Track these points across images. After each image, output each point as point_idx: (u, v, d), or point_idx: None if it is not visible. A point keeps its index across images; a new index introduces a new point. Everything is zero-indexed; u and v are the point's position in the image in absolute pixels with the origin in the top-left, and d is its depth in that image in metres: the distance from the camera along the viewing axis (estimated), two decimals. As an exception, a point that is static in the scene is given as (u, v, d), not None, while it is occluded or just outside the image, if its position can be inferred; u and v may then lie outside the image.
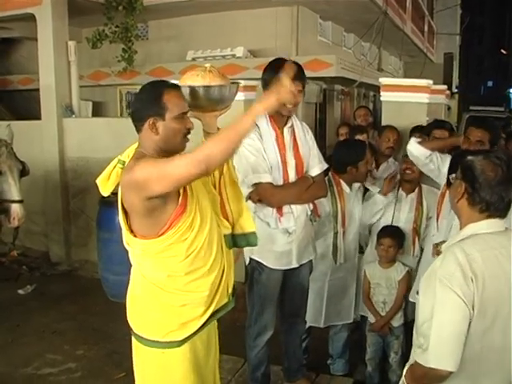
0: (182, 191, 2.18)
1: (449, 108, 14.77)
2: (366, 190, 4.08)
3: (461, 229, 2.09)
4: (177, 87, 2.24)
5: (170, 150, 2.20)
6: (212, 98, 2.33)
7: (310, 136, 3.37)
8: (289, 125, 3.22)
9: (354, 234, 3.98)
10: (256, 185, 3.11)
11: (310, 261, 3.50)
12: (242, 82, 5.61)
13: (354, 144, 4.09)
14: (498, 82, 54.38)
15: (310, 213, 3.36)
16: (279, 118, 3.18)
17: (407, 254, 3.91)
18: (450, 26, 23.73)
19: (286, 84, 1.99)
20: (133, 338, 2.40)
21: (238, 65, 8.84)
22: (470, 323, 1.87)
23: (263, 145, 3.12)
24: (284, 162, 3.15)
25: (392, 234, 3.79)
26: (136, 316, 2.37)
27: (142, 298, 2.33)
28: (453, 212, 3.23)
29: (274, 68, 2.97)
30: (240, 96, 5.59)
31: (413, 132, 4.99)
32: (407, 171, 3.88)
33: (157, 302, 2.28)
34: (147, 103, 2.15)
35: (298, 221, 3.25)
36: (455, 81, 26.03)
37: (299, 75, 3.01)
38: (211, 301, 2.36)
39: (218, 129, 2.49)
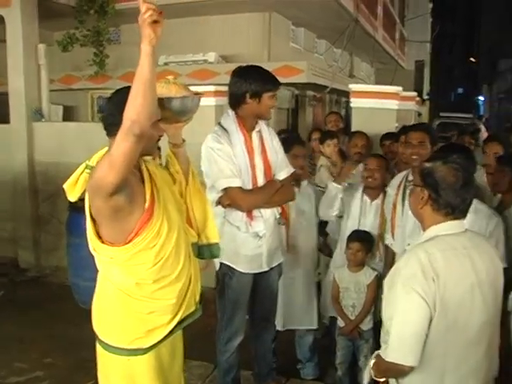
0: (148, 197, 2.17)
1: (419, 114, 15.00)
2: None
3: (424, 231, 2.16)
4: None
5: (142, 155, 2.20)
6: (178, 109, 2.36)
7: (277, 141, 3.41)
8: (257, 129, 3.27)
9: (306, 231, 4.02)
10: (226, 189, 3.13)
11: (280, 264, 3.53)
12: (213, 88, 5.68)
13: (284, 139, 4.11)
14: (468, 90, 55.54)
15: (278, 216, 3.39)
16: (248, 122, 3.22)
17: (374, 259, 3.94)
18: (421, 34, 24.09)
19: (143, 10, 1.95)
20: (97, 345, 2.36)
21: (210, 70, 8.84)
22: (431, 321, 1.95)
23: (232, 149, 3.14)
24: (253, 166, 3.19)
25: (361, 238, 3.82)
26: (101, 322, 2.34)
27: (108, 304, 2.31)
28: (405, 219, 3.34)
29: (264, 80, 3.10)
30: (211, 101, 5.62)
31: (383, 139, 5.07)
32: (369, 179, 3.90)
33: (124, 309, 2.26)
34: (123, 108, 2.06)
35: (268, 224, 3.29)
36: (426, 87, 26.44)
37: (275, 82, 3.14)
38: (178, 309, 2.35)
39: (183, 140, 2.53)
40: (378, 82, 16.64)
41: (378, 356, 2.12)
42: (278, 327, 3.94)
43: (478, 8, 50.99)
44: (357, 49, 11.80)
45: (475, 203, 2.94)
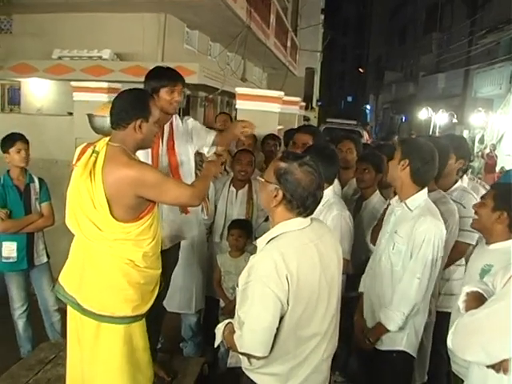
0: None
1: (307, 119, 15.77)
2: None
3: (272, 226, 2.24)
4: (154, 97, 2.82)
5: (144, 147, 2.73)
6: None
7: (193, 124, 3.53)
8: (169, 122, 3.39)
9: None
10: None
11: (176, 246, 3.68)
12: (107, 84, 5.87)
13: None
14: (356, 98, 58.23)
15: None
16: (164, 117, 3.30)
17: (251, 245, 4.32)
18: (312, 43, 25.13)
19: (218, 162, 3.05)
20: (91, 325, 2.61)
21: (104, 67, 8.91)
22: (284, 316, 2.11)
23: None
24: (156, 154, 3.31)
25: (241, 225, 4.21)
26: (102, 298, 2.59)
27: (111, 280, 2.59)
28: None
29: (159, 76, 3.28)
30: (104, 98, 5.81)
31: (266, 139, 5.50)
32: (242, 173, 4.35)
33: (127, 280, 2.59)
34: (138, 106, 2.55)
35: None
36: (316, 94, 27.56)
37: (172, 77, 3.28)
38: (158, 279, 2.80)
39: None
40: (269, 87, 17.18)
41: (229, 332, 2.26)
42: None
43: (368, 22, 53.65)
44: (249, 54, 12.22)
45: (330, 195, 3.39)
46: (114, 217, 2.52)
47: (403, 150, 2.96)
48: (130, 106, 2.55)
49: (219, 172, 3.04)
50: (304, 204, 2.15)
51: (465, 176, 3.76)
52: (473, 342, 1.89)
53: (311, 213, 2.22)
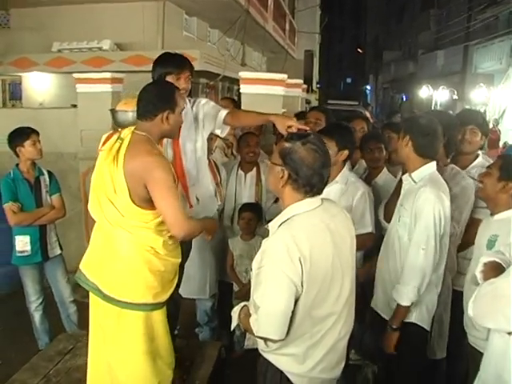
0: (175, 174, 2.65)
1: (309, 102, 15.72)
2: None
3: (283, 208, 2.25)
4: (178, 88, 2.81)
5: (169, 137, 2.85)
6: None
7: (205, 110, 3.35)
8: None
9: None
10: None
11: None
12: (110, 75, 5.86)
13: None
14: (356, 79, 58.02)
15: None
16: None
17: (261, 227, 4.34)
18: (310, 25, 24.96)
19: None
20: (112, 312, 2.65)
21: (105, 57, 8.89)
22: (299, 299, 2.11)
23: None
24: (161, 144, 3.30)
25: (252, 208, 4.23)
26: (123, 284, 2.63)
27: (132, 265, 2.62)
28: None
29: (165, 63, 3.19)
30: (108, 88, 5.81)
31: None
32: (250, 154, 4.36)
33: (148, 267, 2.62)
34: (164, 98, 2.61)
35: None
36: (315, 76, 27.44)
37: (177, 64, 3.17)
38: (177, 269, 2.83)
39: None
40: (269, 71, 17.02)
41: (245, 315, 2.28)
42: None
43: (364, 1, 53.26)
44: (248, 38, 12.16)
45: (348, 175, 3.44)
46: (134, 203, 2.55)
47: (404, 127, 3.02)
48: (157, 99, 2.60)
49: (215, 232, 3.00)
50: (310, 182, 2.15)
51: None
52: (493, 309, 1.93)
53: (318, 192, 2.22)
